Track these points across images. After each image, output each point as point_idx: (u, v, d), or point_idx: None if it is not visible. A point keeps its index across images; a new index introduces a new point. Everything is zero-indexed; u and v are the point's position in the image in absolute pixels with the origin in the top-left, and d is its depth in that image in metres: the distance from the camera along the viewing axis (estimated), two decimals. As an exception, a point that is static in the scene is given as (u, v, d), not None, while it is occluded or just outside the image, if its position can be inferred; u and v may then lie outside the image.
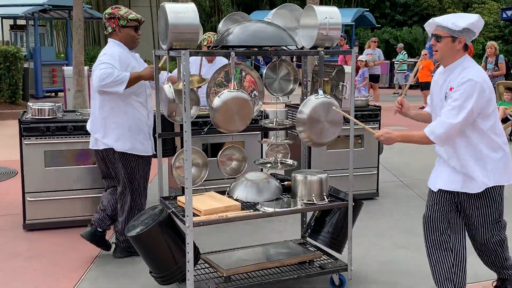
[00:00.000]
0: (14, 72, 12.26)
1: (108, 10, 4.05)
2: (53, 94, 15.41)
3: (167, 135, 3.94)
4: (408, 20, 23.80)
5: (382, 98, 13.71)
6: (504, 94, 9.53)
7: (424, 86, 12.82)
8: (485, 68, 10.80)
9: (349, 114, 3.59)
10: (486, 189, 3.13)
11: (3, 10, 15.73)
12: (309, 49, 3.58)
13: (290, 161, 3.97)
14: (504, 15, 20.21)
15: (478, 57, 16.22)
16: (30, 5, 14.72)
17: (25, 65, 13.14)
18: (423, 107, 14.46)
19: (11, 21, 17.68)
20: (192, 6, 3.22)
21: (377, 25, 21.21)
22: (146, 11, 26.15)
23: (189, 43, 3.21)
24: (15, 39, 16.89)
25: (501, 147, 3.14)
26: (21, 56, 12.48)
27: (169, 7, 3.18)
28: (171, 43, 3.20)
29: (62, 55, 19.51)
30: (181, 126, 4.89)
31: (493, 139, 3.11)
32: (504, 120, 9.27)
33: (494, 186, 3.15)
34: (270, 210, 3.46)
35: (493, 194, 3.17)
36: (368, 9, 20.59)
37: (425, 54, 13.26)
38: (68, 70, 11.69)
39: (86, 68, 11.06)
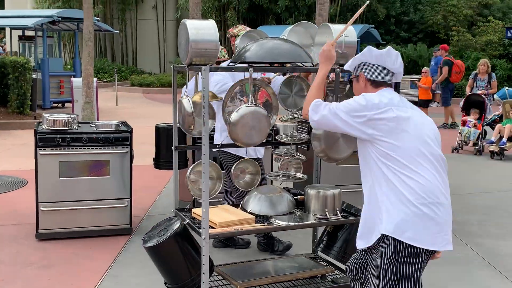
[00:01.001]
0: (23, 83, 12.35)
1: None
2: (60, 105, 15.53)
3: (183, 148, 3.99)
4: (413, 37, 23.94)
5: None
6: (510, 112, 9.61)
7: (423, 104, 13.20)
8: (473, 85, 10.92)
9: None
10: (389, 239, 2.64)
11: (13, 21, 15.89)
12: (325, 66, 3.65)
13: (300, 175, 4.01)
14: (509, 34, 20.33)
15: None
16: (39, 16, 14.88)
17: (33, 76, 13.26)
18: None
19: (19, 32, 17.88)
20: (212, 23, 3.30)
21: (382, 42, 21.32)
22: (153, 24, 26.43)
23: (209, 58, 3.28)
24: (23, 50, 17.03)
25: (413, 204, 2.61)
26: (30, 66, 12.59)
27: (190, 23, 3.26)
28: (191, 59, 3.27)
29: (69, 66, 19.66)
30: (193, 139, 5.00)
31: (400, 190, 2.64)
32: (511, 139, 9.35)
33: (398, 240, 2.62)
34: (284, 224, 3.50)
35: (397, 249, 2.64)
36: (373, 26, 20.72)
37: (425, 72, 13.49)
38: (76, 81, 11.83)
39: (95, 80, 11.18)
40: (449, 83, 12.88)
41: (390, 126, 2.70)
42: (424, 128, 2.74)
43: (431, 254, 2.74)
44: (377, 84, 2.87)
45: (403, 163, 2.66)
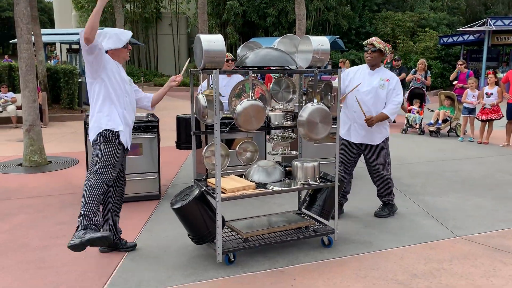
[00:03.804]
0: (71, 85, 12.27)
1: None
2: (100, 101, 15.35)
3: (199, 133, 3.98)
4: (369, 44, 23.81)
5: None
6: (444, 101, 9.63)
7: None
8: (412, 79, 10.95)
9: (336, 117, 3.66)
10: None
11: (62, 38, 15.68)
12: (306, 68, 3.64)
13: (293, 152, 4.02)
14: (441, 41, 20.31)
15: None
16: (83, 33, 14.64)
17: (80, 80, 13.11)
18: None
19: (67, 45, 17.60)
20: (220, 37, 3.27)
21: (345, 49, 21.24)
22: (169, 37, 26.11)
23: (218, 64, 3.26)
24: (70, 60, 16.80)
25: None
26: (76, 72, 12.48)
27: (203, 37, 3.23)
28: (205, 65, 3.25)
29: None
30: (206, 126, 4.97)
31: None
32: (445, 121, 9.38)
33: None
34: (278, 188, 3.53)
35: None
36: (339, 36, 20.60)
37: None
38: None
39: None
40: None
41: None
42: None
43: None
44: None
45: None
